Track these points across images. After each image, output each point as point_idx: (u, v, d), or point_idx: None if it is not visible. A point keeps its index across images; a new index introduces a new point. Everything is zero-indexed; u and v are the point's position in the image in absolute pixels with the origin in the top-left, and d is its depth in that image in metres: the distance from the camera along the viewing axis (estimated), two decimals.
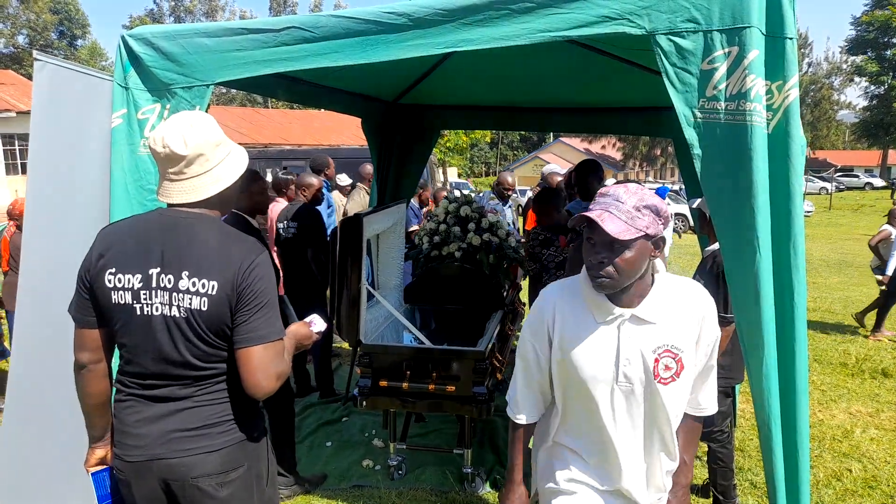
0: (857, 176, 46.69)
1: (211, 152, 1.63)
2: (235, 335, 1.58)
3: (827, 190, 36.74)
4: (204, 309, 1.56)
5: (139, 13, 52.41)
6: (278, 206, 4.97)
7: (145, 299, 1.59)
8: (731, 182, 1.86)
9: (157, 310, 1.58)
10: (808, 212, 26.79)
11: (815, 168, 45.14)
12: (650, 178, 41.10)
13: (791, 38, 1.80)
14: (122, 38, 2.55)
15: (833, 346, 6.45)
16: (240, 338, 1.57)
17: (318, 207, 4.91)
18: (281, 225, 4.56)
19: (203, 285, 1.56)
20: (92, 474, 1.79)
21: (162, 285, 1.58)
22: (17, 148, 21.73)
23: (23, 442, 2.61)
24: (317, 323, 1.92)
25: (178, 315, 1.57)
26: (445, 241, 4.39)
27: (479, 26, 2.08)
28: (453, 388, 3.24)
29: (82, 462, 1.80)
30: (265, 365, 1.57)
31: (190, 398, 1.62)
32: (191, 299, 1.56)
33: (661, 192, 10.73)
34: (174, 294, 1.57)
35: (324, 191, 6.13)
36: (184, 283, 1.56)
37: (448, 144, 21.59)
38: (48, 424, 2.58)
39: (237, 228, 2.99)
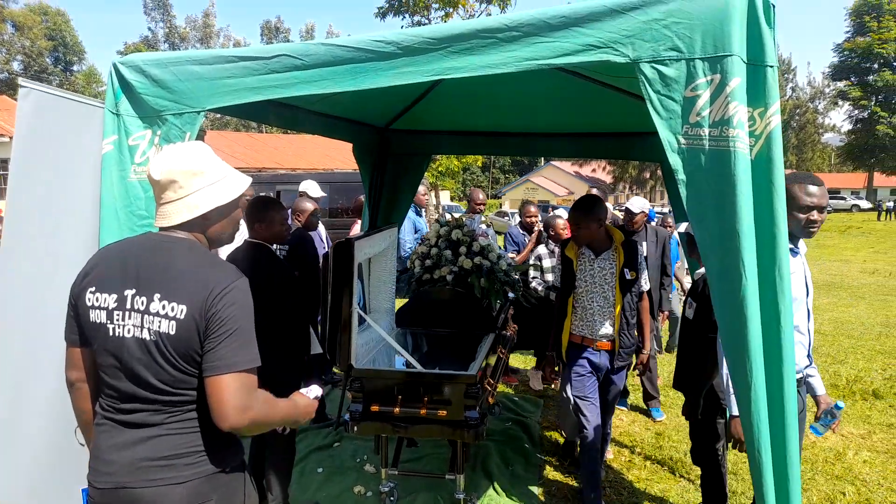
0: (843, 198, 47.23)
1: (185, 180, 1.64)
2: (203, 363, 1.56)
3: None
4: (172, 333, 1.55)
5: (134, 40, 52.76)
6: (357, 227, 5.01)
7: (118, 320, 1.60)
8: (716, 207, 1.88)
9: (129, 331, 1.59)
10: None
11: None
12: None
13: (772, 66, 1.84)
14: (114, 65, 2.57)
15: (823, 367, 6.47)
16: (207, 365, 1.55)
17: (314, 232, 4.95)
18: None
19: (172, 308, 1.55)
20: (82, 490, 1.78)
21: (135, 307, 1.58)
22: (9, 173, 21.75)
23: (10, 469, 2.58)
24: (313, 390, 1.88)
25: (147, 338, 1.57)
26: (437, 265, 4.41)
27: (466, 54, 2.11)
28: (445, 412, 3.22)
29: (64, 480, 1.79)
30: (230, 395, 1.53)
31: (160, 426, 1.60)
32: (160, 322, 1.56)
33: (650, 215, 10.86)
34: (145, 316, 1.57)
35: (411, 214, 6.09)
36: (154, 306, 1.56)
37: (440, 168, 21.69)
38: (33, 446, 2.56)
39: (256, 258, 3.03)
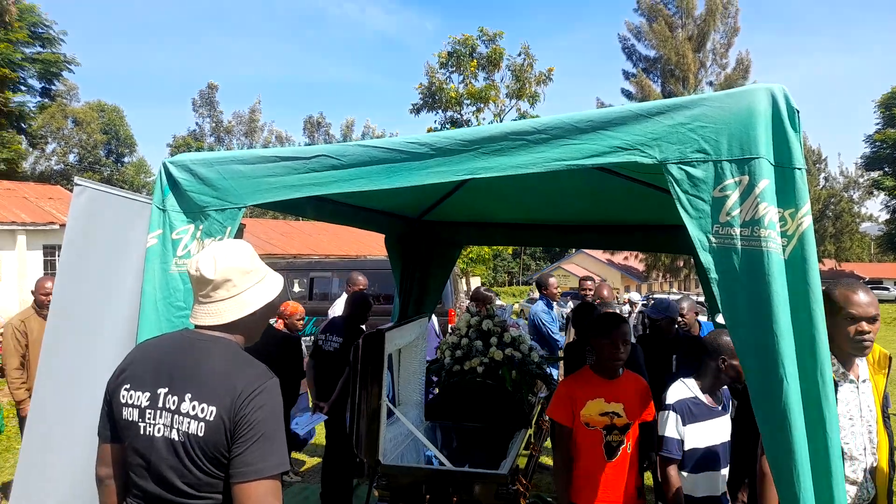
0: (886, 288, 45.77)
1: (239, 278, 1.69)
2: (231, 467, 1.53)
3: None
4: (200, 434, 1.54)
5: (182, 132, 55.96)
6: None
7: (150, 419, 1.59)
8: (751, 308, 1.84)
9: (159, 431, 1.58)
10: None
11: None
12: (674, 290, 40.83)
13: (800, 169, 1.85)
14: (164, 164, 2.73)
15: None
16: (234, 471, 1.53)
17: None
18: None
19: (202, 410, 1.55)
20: None
21: (166, 406, 1.58)
22: (57, 259, 22.69)
23: None
24: None
25: (176, 438, 1.56)
26: (467, 356, 4.36)
27: (497, 155, 2.19)
28: None
29: None
30: (256, 502, 1.49)
31: None
32: (189, 423, 1.55)
33: None
34: (175, 416, 1.57)
35: (542, 306, 6.05)
36: (185, 406, 1.56)
37: (471, 255, 21.93)
38: None
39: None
